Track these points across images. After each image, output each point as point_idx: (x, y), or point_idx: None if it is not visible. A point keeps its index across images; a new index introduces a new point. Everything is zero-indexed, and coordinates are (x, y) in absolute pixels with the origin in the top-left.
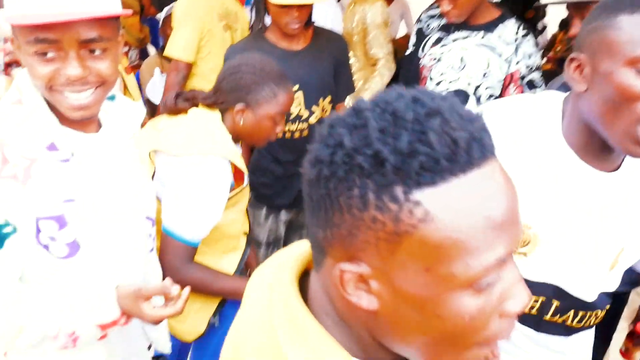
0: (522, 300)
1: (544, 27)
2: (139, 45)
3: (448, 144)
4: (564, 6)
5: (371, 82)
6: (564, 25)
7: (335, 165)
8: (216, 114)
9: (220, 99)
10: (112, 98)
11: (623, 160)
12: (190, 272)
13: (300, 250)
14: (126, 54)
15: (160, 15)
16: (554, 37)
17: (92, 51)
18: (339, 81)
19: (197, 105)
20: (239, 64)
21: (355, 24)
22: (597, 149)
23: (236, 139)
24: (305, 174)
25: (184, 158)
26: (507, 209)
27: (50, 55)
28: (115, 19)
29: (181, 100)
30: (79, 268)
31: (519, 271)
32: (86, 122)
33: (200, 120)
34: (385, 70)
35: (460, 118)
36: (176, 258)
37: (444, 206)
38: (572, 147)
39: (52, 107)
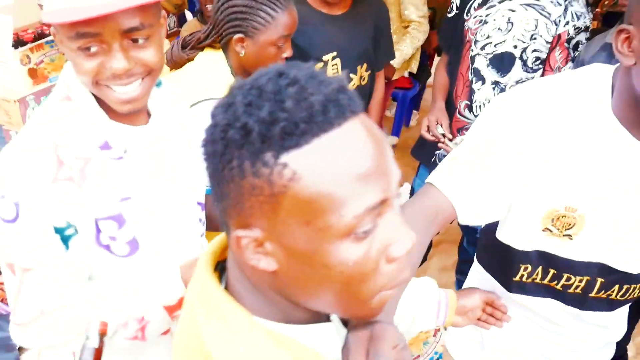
0: (405, 244)
1: None
2: (177, 12)
3: (305, 108)
4: None
5: (402, 44)
6: None
7: (215, 143)
8: (219, 53)
9: (219, 32)
10: (158, 84)
11: None
12: None
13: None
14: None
15: None
16: None
17: (135, 40)
18: (378, 48)
19: (202, 49)
20: None
21: None
22: None
23: (243, 72)
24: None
25: (194, 107)
26: (372, 160)
27: (93, 49)
28: (156, 3)
29: (187, 49)
30: (141, 263)
31: (400, 217)
32: (135, 114)
33: (203, 65)
34: (418, 33)
35: (318, 83)
36: None
37: (309, 165)
38: (623, 123)
39: (101, 102)
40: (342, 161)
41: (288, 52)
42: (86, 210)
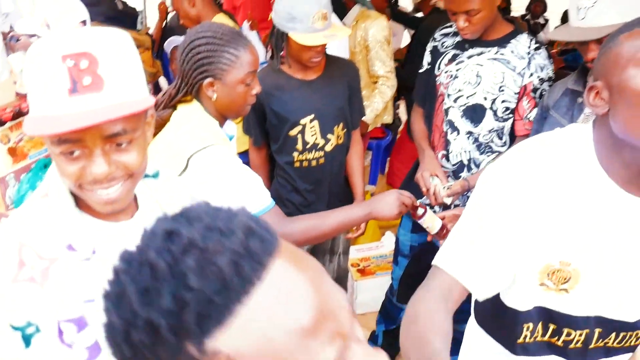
0: None
1: (547, 21)
2: (151, 80)
3: (213, 277)
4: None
5: (372, 100)
6: (566, 18)
7: (120, 347)
8: (194, 105)
9: (188, 82)
10: (155, 175)
11: None
12: (295, 227)
13: None
14: None
15: (167, 48)
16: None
17: (118, 144)
18: (352, 107)
19: (175, 107)
20: (192, 39)
21: (358, 40)
22: (636, 172)
23: (221, 117)
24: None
25: (193, 158)
26: (313, 306)
27: (76, 153)
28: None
29: (160, 108)
30: None
31: (364, 349)
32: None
33: (182, 120)
34: (386, 88)
35: (219, 237)
36: (277, 226)
37: (242, 341)
38: (611, 175)
39: (81, 199)
40: (278, 322)
41: (257, 89)
42: (48, 311)
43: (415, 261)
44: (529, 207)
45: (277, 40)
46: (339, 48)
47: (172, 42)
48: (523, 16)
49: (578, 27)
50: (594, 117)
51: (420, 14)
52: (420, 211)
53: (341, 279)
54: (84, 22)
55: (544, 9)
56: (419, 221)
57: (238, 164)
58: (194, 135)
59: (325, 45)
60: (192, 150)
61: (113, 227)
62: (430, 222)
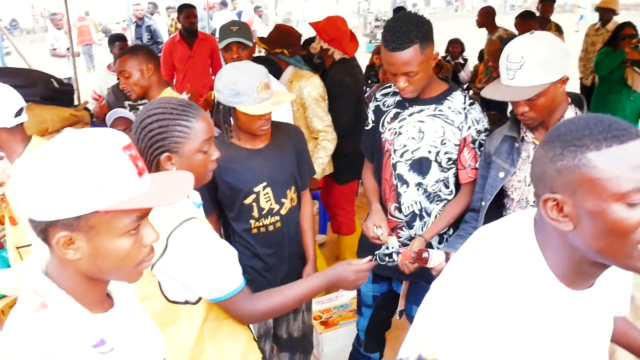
0: None
1: (466, 60)
2: None
3: None
4: (483, 39)
5: (316, 156)
6: (483, 57)
7: None
8: None
9: (146, 160)
10: None
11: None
12: (261, 305)
13: None
14: None
15: (109, 120)
16: (476, 68)
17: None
18: (301, 169)
19: None
20: (143, 119)
21: (294, 99)
22: (578, 273)
23: None
24: None
25: (172, 235)
26: None
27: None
28: None
29: None
30: None
31: None
32: (107, 301)
33: None
34: (327, 142)
35: None
36: (241, 309)
37: None
38: (561, 279)
39: (79, 299)
40: None
41: (216, 154)
42: None
43: (379, 310)
44: (492, 331)
45: (224, 115)
46: (282, 112)
47: (115, 113)
48: (443, 58)
49: (508, 86)
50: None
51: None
52: (425, 254)
53: (306, 335)
54: (20, 111)
55: (462, 50)
56: (428, 265)
57: (213, 240)
58: (167, 214)
59: (271, 112)
60: (169, 228)
61: (106, 317)
62: (438, 259)
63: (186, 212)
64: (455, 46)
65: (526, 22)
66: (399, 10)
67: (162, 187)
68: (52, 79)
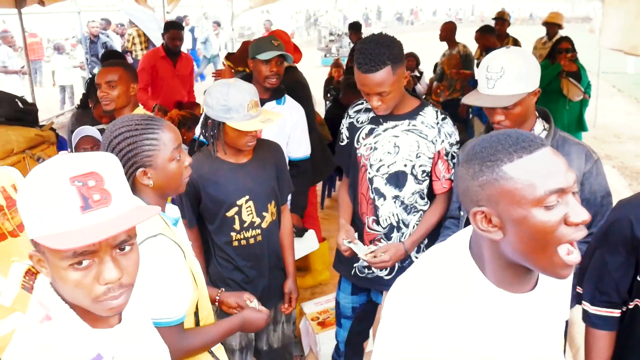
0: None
1: (422, 73)
2: None
3: None
4: (436, 52)
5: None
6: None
7: None
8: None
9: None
10: None
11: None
12: (195, 341)
13: None
14: None
15: (75, 138)
16: (432, 81)
17: (121, 249)
18: (281, 184)
19: None
20: (109, 140)
21: None
22: (512, 275)
23: (161, 200)
24: None
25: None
26: None
27: (85, 263)
28: None
29: None
30: None
31: None
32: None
33: None
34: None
35: None
36: (171, 342)
37: None
38: (499, 285)
39: (80, 313)
40: None
41: (188, 160)
42: None
43: (358, 321)
44: (439, 335)
45: (212, 130)
46: (273, 130)
47: (81, 132)
48: None
49: (489, 95)
50: None
51: None
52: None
53: (286, 346)
54: None
55: (418, 63)
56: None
57: (170, 264)
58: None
59: (260, 130)
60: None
61: (108, 333)
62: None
63: (152, 228)
64: (410, 60)
65: (485, 35)
66: (354, 26)
67: (108, 222)
68: (16, 99)
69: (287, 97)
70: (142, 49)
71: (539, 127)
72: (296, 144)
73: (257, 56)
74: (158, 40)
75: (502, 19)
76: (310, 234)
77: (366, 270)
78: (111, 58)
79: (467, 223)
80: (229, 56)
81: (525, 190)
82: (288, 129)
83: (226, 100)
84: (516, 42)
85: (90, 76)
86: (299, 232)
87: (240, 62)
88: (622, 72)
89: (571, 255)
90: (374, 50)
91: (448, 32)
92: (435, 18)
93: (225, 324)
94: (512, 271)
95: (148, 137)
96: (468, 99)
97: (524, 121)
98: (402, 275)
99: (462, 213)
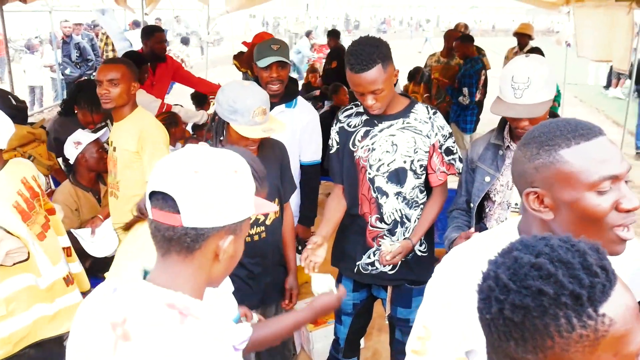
0: None
1: (396, 81)
2: (48, 173)
3: (601, 272)
4: (410, 60)
5: None
6: (412, 76)
7: (543, 307)
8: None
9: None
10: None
11: None
12: (259, 334)
13: None
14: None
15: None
16: (406, 88)
17: None
18: (284, 182)
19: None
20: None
21: None
22: None
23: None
24: (496, 318)
25: None
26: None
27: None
28: None
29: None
30: None
31: None
32: None
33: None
34: None
35: (596, 252)
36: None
37: (616, 311)
38: None
39: None
40: (628, 304)
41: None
42: None
43: (359, 317)
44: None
45: (217, 126)
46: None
47: (80, 137)
48: None
49: (517, 104)
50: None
51: None
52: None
53: (285, 342)
54: None
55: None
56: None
57: None
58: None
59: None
60: None
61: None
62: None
63: None
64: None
65: (465, 44)
66: (333, 33)
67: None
68: (9, 96)
69: (299, 99)
70: (112, 50)
71: None
72: (304, 147)
73: (257, 62)
74: (120, 50)
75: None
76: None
77: (369, 267)
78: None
79: (479, 216)
80: (237, 56)
81: (581, 175)
82: (298, 134)
83: (234, 101)
84: (480, 51)
85: (67, 80)
86: (303, 245)
87: (244, 64)
88: (583, 83)
89: (625, 231)
90: (364, 50)
91: (454, 42)
92: (401, 27)
93: (295, 315)
94: None
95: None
96: (497, 110)
97: None
98: (455, 248)
99: (472, 205)
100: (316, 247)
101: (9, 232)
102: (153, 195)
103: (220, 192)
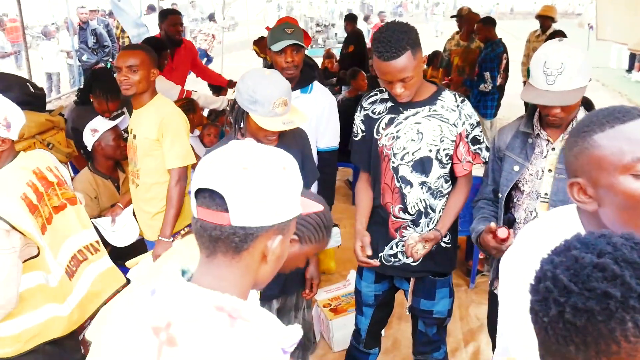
0: None
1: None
2: (67, 160)
3: None
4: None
5: None
6: (430, 61)
7: (609, 311)
8: None
9: None
10: None
11: None
12: None
13: None
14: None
15: (90, 134)
16: (424, 72)
17: None
18: (305, 171)
19: None
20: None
21: None
22: None
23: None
24: (555, 322)
25: None
26: None
27: None
28: None
29: None
30: None
31: None
32: None
33: None
34: None
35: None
36: None
37: None
38: None
39: None
40: None
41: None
42: None
43: (380, 308)
44: None
45: (237, 115)
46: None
47: (98, 124)
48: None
49: (549, 91)
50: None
51: None
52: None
53: (306, 332)
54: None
55: None
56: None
57: None
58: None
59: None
60: None
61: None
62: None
63: None
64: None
65: (487, 27)
66: (350, 17)
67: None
68: (27, 83)
69: (315, 84)
70: (128, 36)
71: (582, 116)
72: (321, 133)
73: (271, 47)
74: (134, 37)
75: (460, 15)
76: (335, 231)
77: (392, 259)
78: (149, 44)
79: (506, 206)
80: (257, 41)
81: (613, 157)
82: (315, 120)
83: (254, 91)
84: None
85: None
86: None
87: (263, 49)
88: (605, 66)
89: None
90: (392, 37)
91: (478, 26)
92: (417, 11)
93: None
94: None
95: None
96: (528, 97)
97: (576, 111)
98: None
99: (500, 195)
100: (368, 242)
101: (13, 227)
102: (199, 192)
103: (270, 190)
